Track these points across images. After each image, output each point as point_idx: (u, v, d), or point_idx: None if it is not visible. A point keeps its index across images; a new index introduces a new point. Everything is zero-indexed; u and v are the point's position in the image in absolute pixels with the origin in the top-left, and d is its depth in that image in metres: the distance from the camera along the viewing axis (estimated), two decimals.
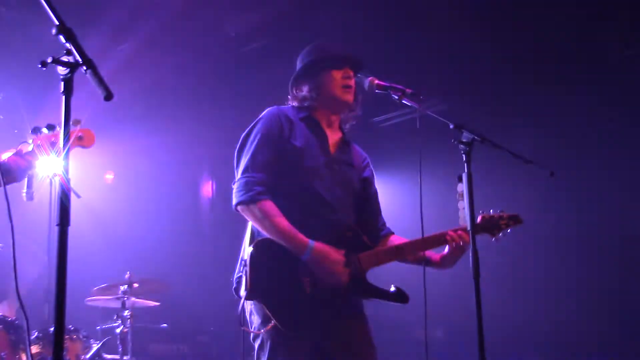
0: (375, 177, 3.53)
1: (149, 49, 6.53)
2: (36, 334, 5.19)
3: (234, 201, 3.16)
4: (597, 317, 6.67)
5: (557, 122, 7.06)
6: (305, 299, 3.06)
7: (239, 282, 3.10)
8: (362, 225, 3.34)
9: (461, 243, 3.22)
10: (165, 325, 7.22)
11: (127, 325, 5.68)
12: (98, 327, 6.34)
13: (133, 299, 5.75)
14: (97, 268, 6.74)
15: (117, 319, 5.72)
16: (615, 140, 6.77)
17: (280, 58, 6.71)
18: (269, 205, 3.11)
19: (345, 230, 3.22)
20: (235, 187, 3.18)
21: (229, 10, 6.20)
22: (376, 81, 3.28)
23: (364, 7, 6.02)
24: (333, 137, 3.39)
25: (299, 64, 3.41)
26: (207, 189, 8.60)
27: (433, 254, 3.32)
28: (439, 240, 3.23)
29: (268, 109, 3.35)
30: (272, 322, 3.01)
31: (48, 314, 6.19)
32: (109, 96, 1.98)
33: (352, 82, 3.35)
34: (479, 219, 3.31)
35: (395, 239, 3.40)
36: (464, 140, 2.86)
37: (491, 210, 3.34)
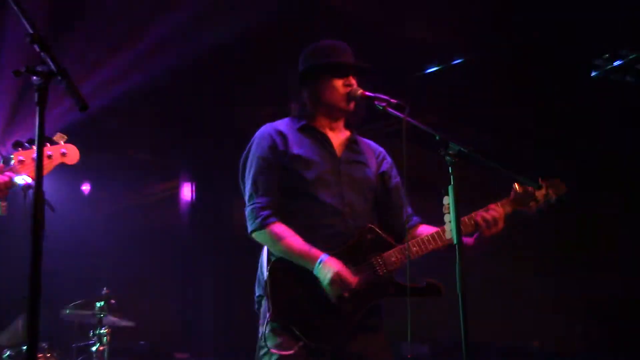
0: (395, 167, 3.50)
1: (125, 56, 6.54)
2: (8, 352, 5.14)
3: (248, 230, 3.24)
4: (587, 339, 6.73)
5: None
6: (330, 311, 3.08)
7: (259, 302, 3.17)
8: (386, 223, 3.34)
9: (491, 220, 3.18)
10: (143, 342, 7.18)
11: (104, 343, 5.63)
12: (74, 345, 6.28)
13: (110, 316, 5.71)
14: (74, 283, 6.69)
15: (93, 337, 5.67)
16: None
17: (261, 61, 6.79)
18: (278, 228, 3.16)
19: (364, 234, 3.22)
20: (246, 216, 3.25)
21: (204, 17, 6.20)
22: (359, 91, 3.29)
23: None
24: (338, 138, 3.39)
25: (300, 66, 3.40)
26: (186, 203, 8.56)
27: (466, 238, 3.23)
28: (467, 225, 3.20)
29: (261, 128, 3.36)
30: (300, 342, 3.05)
31: (22, 329, 6.12)
32: (84, 107, 1.97)
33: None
34: (511, 194, 3.26)
35: (425, 229, 3.35)
36: (450, 152, 2.86)
37: (526, 182, 3.22)
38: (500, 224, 3.22)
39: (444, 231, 3.20)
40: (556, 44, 6.20)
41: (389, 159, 3.50)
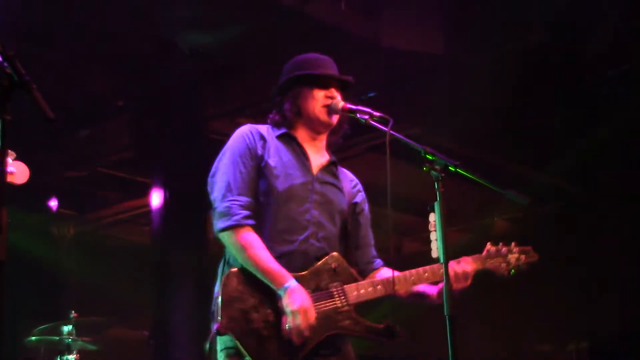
0: (367, 203, 3.48)
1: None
2: None
3: (216, 228, 3.14)
4: None
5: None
6: (283, 336, 3.02)
7: (212, 317, 3.08)
8: (351, 256, 3.31)
9: (461, 273, 3.18)
10: None
11: None
12: None
13: (79, 341, 5.64)
14: (39, 306, 6.62)
15: None
16: None
17: (239, 70, 6.80)
18: (250, 235, 3.09)
19: (328, 260, 3.18)
20: (217, 213, 3.15)
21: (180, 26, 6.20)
22: (341, 104, 3.28)
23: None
24: (317, 158, 3.36)
25: (282, 77, 3.39)
26: (159, 220, 8.50)
27: (428, 287, 3.26)
28: (436, 273, 3.19)
29: (241, 127, 3.33)
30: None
31: None
32: (49, 118, 1.94)
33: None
34: (484, 251, 3.30)
35: (387, 273, 3.30)
36: (436, 167, 2.85)
37: (500, 244, 3.33)
38: (469, 280, 3.20)
39: (424, 271, 3.19)
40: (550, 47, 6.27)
41: (363, 193, 3.49)
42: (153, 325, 7.68)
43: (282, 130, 3.33)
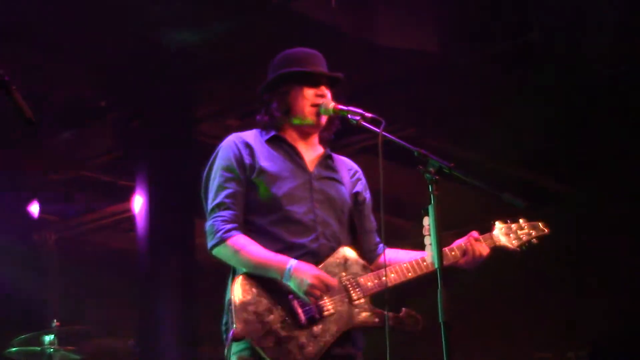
0: (368, 190, 3.48)
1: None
2: None
3: (208, 248, 3.19)
4: None
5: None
6: (303, 334, 3.03)
7: (226, 328, 3.10)
8: (359, 246, 3.30)
9: (478, 253, 3.22)
10: None
11: None
12: None
13: (62, 351, 5.62)
14: (19, 315, 6.59)
15: None
16: None
17: (225, 70, 6.79)
18: (239, 238, 3.12)
19: (338, 255, 3.19)
20: (206, 233, 3.21)
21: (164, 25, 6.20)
22: (331, 104, 3.27)
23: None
24: (311, 153, 3.36)
25: (269, 74, 3.38)
26: (144, 226, 8.48)
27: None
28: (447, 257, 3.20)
29: (226, 137, 3.34)
30: None
31: None
32: (29, 120, 1.94)
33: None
34: (493, 229, 3.32)
35: (390, 254, 3.32)
36: (430, 169, 2.85)
37: (508, 220, 3.35)
38: (480, 263, 3.24)
39: (423, 260, 3.20)
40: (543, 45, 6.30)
41: (363, 180, 3.48)
42: (139, 334, 7.66)
43: (271, 134, 3.32)
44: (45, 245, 8.31)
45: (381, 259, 3.31)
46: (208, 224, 3.19)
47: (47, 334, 5.61)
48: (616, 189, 7.68)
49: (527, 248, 3.36)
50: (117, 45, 6.47)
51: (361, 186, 3.45)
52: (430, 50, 6.47)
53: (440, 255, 2.81)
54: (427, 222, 2.86)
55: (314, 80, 3.30)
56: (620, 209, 7.77)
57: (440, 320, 2.73)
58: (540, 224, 3.40)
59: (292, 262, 3.06)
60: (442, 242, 2.84)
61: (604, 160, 7.40)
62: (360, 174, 3.49)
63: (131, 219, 8.45)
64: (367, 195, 3.46)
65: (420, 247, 3.03)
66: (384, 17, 6.37)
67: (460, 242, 3.28)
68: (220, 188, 3.20)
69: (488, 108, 6.98)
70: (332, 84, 3.35)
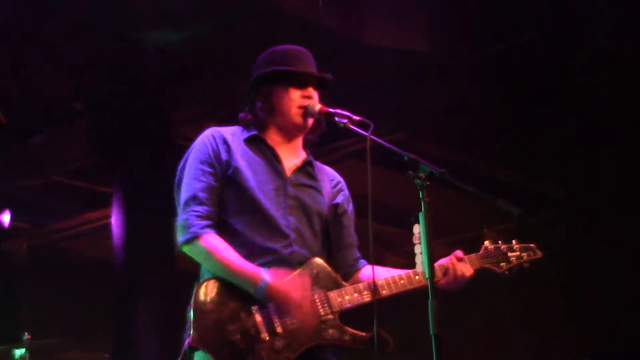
0: (351, 202, 3.47)
1: None
2: None
3: (178, 244, 3.16)
4: None
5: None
6: (263, 347, 3.01)
7: (185, 332, 3.06)
8: (334, 260, 3.29)
9: (454, 275, 3.20)
10: None
11: None
12: None
13: None
14: None
15: None
16: None
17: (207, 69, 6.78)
18: (214, 239, 3.10)
19: (308, 267, 3.16)
20: (177, 228, 3.17)
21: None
22: (318, 106, 3.27)
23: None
24: (291, 158, 3.34)
25: (255, 71, 3.37)
26: (120, 233, 8.46)
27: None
28: (412, 280, 3.20)
29: (204, 131, 3.32)
30: None
31: None
32: (0, 123, 1.93)
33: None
34: (481, 250, 3.31)
35: (369, 271, 3.29)
36: (421, 174, 2.85)
37: (500, 241, 3.34)
38: (463, 284, 3.22)
39: (414, 274, 3.19)
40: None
41: (346, 192, 3.47)
42: (114, 347, 7.62)
43: (251, 133, 3.31)
44: (16, 254, 8.26)
45: (361, 275, 3.32)
46: (181, 217, 3.16)
47: (18, 348, 5.57)
48: (616, 193, 7.71)
49: (516, 272, 3.34)
50: (93, 44, 6.44)
51: (342, 197, 3.44)
52: (421, 50, 6.49)
53: (432, 265, 2.82)
54: (418, 230, 2.86)
55: (301, 81, 3.29)
56: (622, 213, 7.82)
57: (431, 332, 2.73)
58: (533, 246, 3.38)
59: (266, 278, 3.04)
60: (434, 251, 2.84)
61: (604, 164, 7.43)
62: (342, 185, 3.48)
63: (108, 226, 8.42)
64: (350, 207, 3.45)
65: (409, 255, 3.03)
66: (372, 16, 6.37)
67: (443, 261, 3.25)
68: (196, 182, 3.18)
69: (482, 110, 7.00)
70: (320, 85, 3.34)
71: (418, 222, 2.84)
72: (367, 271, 3.31)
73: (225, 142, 3.26)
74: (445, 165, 2.91)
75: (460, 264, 3.24)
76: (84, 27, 6.22)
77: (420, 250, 2.87)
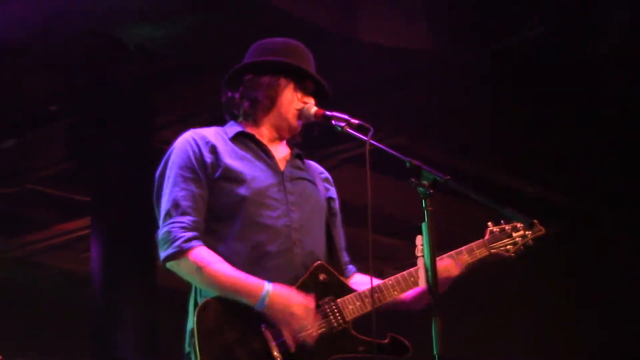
0: (338, 199, 3.45)
1: None
2: None
3: (160, 258, 3.09)
4: None
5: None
6: None
7: (187, 358, 3.04)
8: (334, 262, 3.27)
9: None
10: None
11: None
12: None
13: None
14: None
15: None
16: None
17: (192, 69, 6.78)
18: (203, 252, 3.04)
19: (315, 272, 3.13)
20: (158, 241, 3.11)
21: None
22: (313, 109, 3.26)
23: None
24: (279, 151, 3.32)
25: (251, 55, 3.35)
26: (99, 245, 8.47)
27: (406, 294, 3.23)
28: (407, 281, 3.18)
29: (182, 134, 3.28)
30: None
31: None
32: None
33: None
34: (486, 235, 3.31)
35: (361, 279, 3.31)
36: (424, 181, 2.85)
37: (502, 222, 3.35)
38: (449, 283, 3.19)
39: (414, 274, 3.17)
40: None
41: (334, 187, 3.47)
42: None
43: (236, 131, 3.28)
44: None
45: (350, 283, 3.28)
46: (162, 230, 3.09)
47: None
48: (626, 199, 7.75)
49: (523, 251, 3.35)
50: (70, 41, 6.43)
51: (333, 192, 3.44)
52: (422, 48, 6.50)
53: (435, 279, 2.81)
54: (421, 241, 2.86)
55: (306, 83, 3.29)
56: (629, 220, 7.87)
57: (435, 353, 2.73)
58: (536, 222, 3.35)
59: (268, 287, 2.99)
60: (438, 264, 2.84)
61: (614, 170, 7.47)
62: (330, 180, 3.47)
63: (86, 238, 8.41)
64: (337, 205, 3.45)
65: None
66: (369, 11, 6.38)
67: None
68: (177, 189, 3.12)
69: (489, 113, 7.01)
70: (316, 93, 3.34)
71: (421, 233, 2.84)
72: (357, 279, 3.32)
73: (208, 143, 3.21)
74: (450, 172, 2.90)
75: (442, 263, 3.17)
76: (61, 23, 6.20)
77: (422, 263, 2.87)
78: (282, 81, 3.26)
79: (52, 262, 9.71)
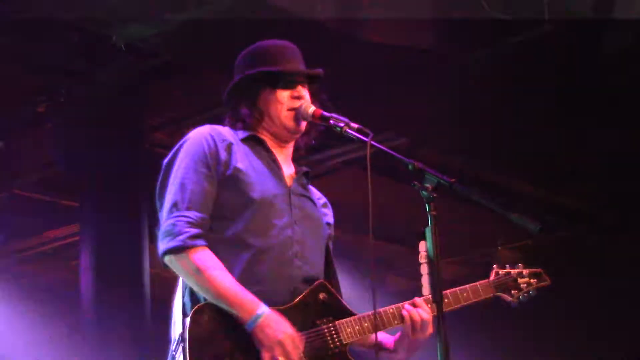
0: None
1: None
2: None
3: (160, 250, 3.07)
4: None
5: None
6: None
7: None
8: (329, 283, 3.25)
9: (419, 322, 3.16)
10: None
11: None
12: None
13: None
14: None
15: None
16: None
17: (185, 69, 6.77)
18: (205, 254, 3.02)
19: (315, 290, 3.13)
20: (160, 232, 3.09)
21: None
22: (311, 109, 3.25)
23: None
24: (286, 166, 3.34)
25: (236, 74, 3.36)
26: (88, 253, 8.46)
27: (387, 337, 3.27)
28: (389, 318, 3.18)
29: (196, 128, 3.27)
30: None
31: None
32: None
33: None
34: (491, 276, 3.34)
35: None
36: (427, 185, 2.83)
37: (507, 266, 3.41)
38: (429, 329, 3.17)
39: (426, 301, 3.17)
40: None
41: (332, 214, 3.48)
42: None
43: (247, 133, 3.29)
44: None
45: None
46: (167, 222, 3.07)
47: None
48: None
49: (525, 300, 3.40)
50: (57, 39, 6.42)
51: (332, 219, 3.45)
52: (425, 47, 6.49)
53: (440, 287, 2.79)
54: (424, 247, 2.84)
55: (289, 81, 3.29)
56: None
57: None
58: (541, 272, 3.45)
59: (264, 309, 2.98)
60: (442, 271, 2.83)
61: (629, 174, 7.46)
62: (329, 206, 3.49)
63: (75, 245, 8.40)
64: (332, 233, 3.46)
65: (414, 276, 3.02)
66: (371, 8, 6.37)
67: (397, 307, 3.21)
68: (188, 182, 3.11)
69: (494, 113, 7.01)
70: (310, 82, 3.34)
71: (424, 239, 2.82)
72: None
73: (225, 140, 3.21)
74: (454, 175, 2.89)
75: (416, 310, 3.19)
76: (48, 20, 6.19)
77: (426, 271, 2.85)
78: (264, 90, 3.28)
79: (39, 271, 9.70)
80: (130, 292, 7.64)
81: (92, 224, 7.67)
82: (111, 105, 7.28)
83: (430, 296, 3.07)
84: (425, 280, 2.88)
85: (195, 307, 3.00)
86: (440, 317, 2.77)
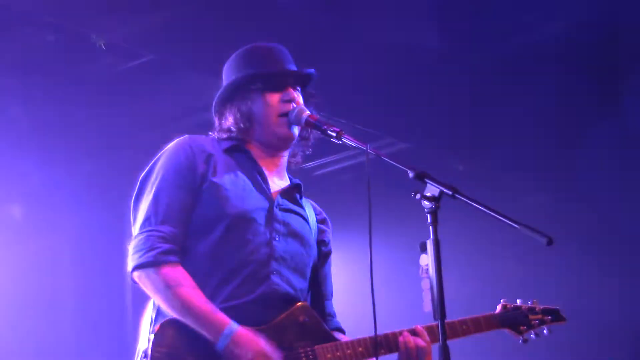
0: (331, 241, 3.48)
1: None
2: None
3: (129, 266, 3.08)
4: None
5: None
6: None
7: None
8: (318, 308, 3.28)
9: (414, 350, 3.16)
10: None
11: None
12: None
13: None
14: None
15: None
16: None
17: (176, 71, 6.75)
18: (176, 271, 3.03)
19: (296, 312, 3.13)
20: (131, 247, 3.10)
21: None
22: (305, 113, 3.24)
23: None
24: (276, 179, 3.34)
25: (224, 80, 3.38)
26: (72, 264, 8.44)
27: None
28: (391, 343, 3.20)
29: (177, 139, 3.28)
30: None
31: None
32: None
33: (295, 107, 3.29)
34: (498, 309, 3.34)
35: (341, 339, 3.31)
36: (429, 194, 2.82)
37: (518, 301, 3.39)
38: (424, 351, 3.18)
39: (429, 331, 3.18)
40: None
41: (330, 230, 3.49)
42: None
43: (230, 143, 3.29)
44: None
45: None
46: (138, 236, 3.09)
47: None
48: None
49: (536, 337, 3.40)
50: (40, 40, 6.41)
51: (327, 236, 3.46)
52: (428, 46, 6.49)
53: (442, 302, 2.78)
54: (425, 261, 2.83)
55: (278, 83, 3.28)
56: None
57: None
58: (557, 309, 3.45)
59: (234, 327, 2.97)
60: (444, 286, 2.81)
61: None
62: (328, 221, 3.50)
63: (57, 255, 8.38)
64: (330, 250, 3.46)
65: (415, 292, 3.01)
66: (371, 5, 6.37)
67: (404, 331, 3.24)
68: (163, 195, 3.13)
69: (500, 116, 7.01)
70: (302, 83, 3.34)
71: (426, 252, 2.81)
72: (338, 336, 3.31)
73: (204, 152, 3.22)
74: (457, 181, 2.88)
75: (414, 337, 3.22)
76: (26, 19, 6.18)
77: (427, 286, 2.84)
78: (252, 94, 3.29)
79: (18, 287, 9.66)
80: (112, 302, 7.62)
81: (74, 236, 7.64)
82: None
83: (433, 323, 3.10)
84: (426, 296, 2.86)
85: (161, 322, 3.01)
86: (443, 335, 2.75)
